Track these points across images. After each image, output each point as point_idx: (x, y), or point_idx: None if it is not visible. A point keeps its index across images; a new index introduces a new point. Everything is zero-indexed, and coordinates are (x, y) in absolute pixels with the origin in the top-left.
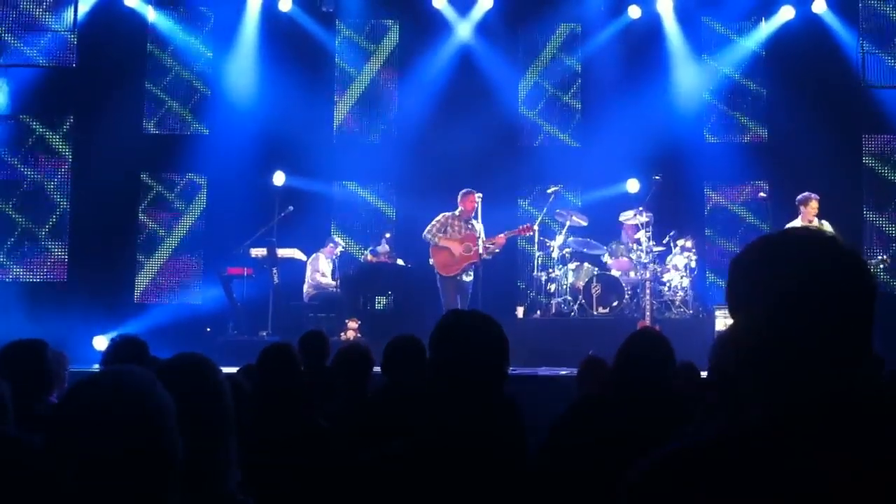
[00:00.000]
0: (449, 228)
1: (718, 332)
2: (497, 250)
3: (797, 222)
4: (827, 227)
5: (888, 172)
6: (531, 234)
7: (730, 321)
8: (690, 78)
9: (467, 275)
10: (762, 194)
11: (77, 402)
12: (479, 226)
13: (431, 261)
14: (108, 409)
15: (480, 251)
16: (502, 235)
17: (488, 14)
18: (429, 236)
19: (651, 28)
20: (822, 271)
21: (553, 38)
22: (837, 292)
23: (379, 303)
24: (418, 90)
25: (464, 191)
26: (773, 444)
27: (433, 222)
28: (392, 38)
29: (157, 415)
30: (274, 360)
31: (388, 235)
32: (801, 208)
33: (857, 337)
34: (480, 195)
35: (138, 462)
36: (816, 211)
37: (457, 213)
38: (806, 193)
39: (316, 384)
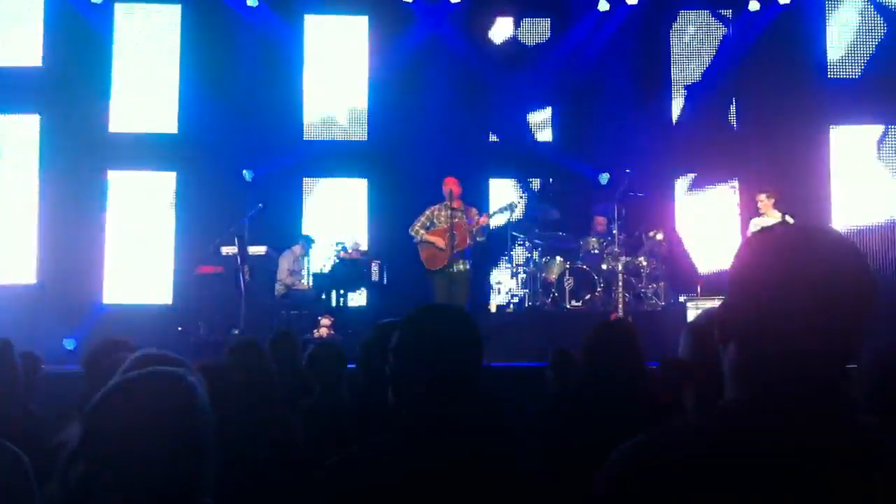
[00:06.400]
0: (435, 221)
1: (689, 322)
2: (481, 237)
3: (760, 220)
4: (790, 221)
5: (855, 163)
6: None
7: (699, 311)
8: (661, 70)
9: (459, 265)
10: (731, 186)
11: (116, 405)
12: (464, 214)
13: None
14: (148, 416)
15: (465, 238)
16: (485, 216)
17: (459, 7)
18: (412, 233)
19: (622, 21)
20: (825, 265)
21: (524, 31)
22: (838, 286)
23: (352, 300)
24: (389, 84)
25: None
26: (752, 427)
27: (419, 217)
28: (362, 33)
29: (198, 423)
30: (242, 356)
31: (360, 244)
32: (757, 204)
33: (850, 329)
34: (454, 179)
35: (173, 468)
36: (770, 205)
37: (443, 203)
38: (758, 191)
39: (289, 384)
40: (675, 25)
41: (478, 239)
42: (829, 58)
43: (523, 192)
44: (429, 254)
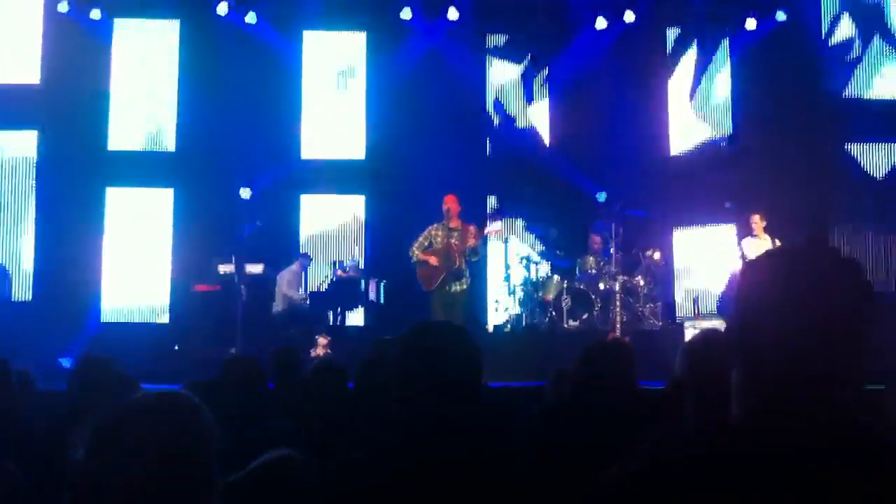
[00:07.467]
0: (433, 241)
1: (685, 342)
2: (475, 257)
3: (752, 241)
4: (777, 244)
5: (855, 182)
6: (501, 232)
7: (697, 331)
8: (658, 88)
9: (454, 285)
10: (727, 204)
11: (123, 424)
12: (460, 234)
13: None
14: (155, 435)
15: (456, 259)
16: (474, 238)
17: (457, 23)
18: (410, 254)
19: (618, 39)
20: (825, 290)
21: (522, 49)
22: (838, 310)
23: (350, 319)
24: (387, 100)
25: None
26: (752, 428)
27: (417, 238)
28: (360, 49)
29: (200, 443)
30: (235, 374)
31: (357, 262)
32: (751, 225)
33: (851, 350)
34: (452, 196)
35: (176, 487)
36: (762, 227)
37: (441, 222)
38: (752, 212)
39: (289, 398)
40: (672, 44)
41: (472, 259)
42: (827, 74)
43: (520, 209)
44: (423, 274)
